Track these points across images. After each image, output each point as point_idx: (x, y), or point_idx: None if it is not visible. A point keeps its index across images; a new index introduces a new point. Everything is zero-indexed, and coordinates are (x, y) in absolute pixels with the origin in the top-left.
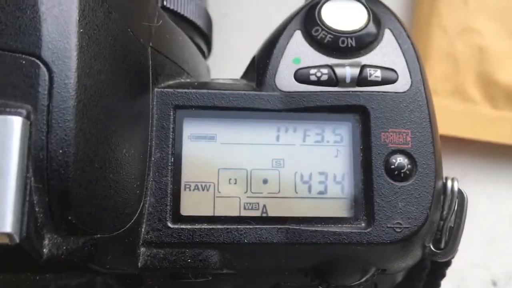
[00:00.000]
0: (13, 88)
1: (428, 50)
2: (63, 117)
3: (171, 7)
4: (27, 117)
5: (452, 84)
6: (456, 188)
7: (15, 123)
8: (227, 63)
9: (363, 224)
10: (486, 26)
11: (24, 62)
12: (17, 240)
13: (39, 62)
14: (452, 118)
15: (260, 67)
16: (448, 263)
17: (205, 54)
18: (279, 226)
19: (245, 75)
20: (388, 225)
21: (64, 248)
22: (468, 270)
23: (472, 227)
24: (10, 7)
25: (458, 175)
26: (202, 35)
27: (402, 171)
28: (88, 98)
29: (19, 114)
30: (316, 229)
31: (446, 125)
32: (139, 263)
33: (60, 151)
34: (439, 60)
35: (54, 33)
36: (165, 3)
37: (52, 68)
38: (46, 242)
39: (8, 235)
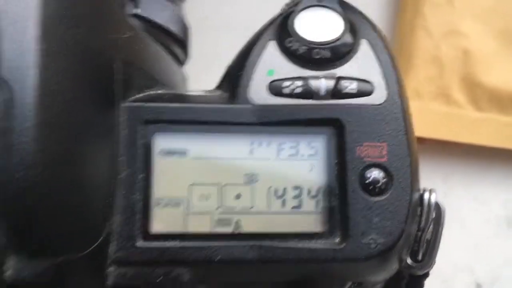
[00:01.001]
0: None
1: (413, 53)
2: (23, 139)
3: (144, 15)
4: None
5: (436, 86)
6: (433, 200)
7: None
8: (208, 65)
9: (337, 240)
10: (471, 28)
11: None
12: None
13: None
14: (436, 121)
15: (233, 79)
16: (426, 275)
17: (182, 61)
18: (252, 243)
19: (219, 86)
20: (363, 241)
21: (27, 272)
22: (452, 273)
23: (457, 229)
24: None
25: (442, 177)
26: (178, 42)
27: (377, 185)
28: (49, 117)
29: None
30: (290, 245)
31: (431, 128)
32: (109, 282)
33: (21, 173)
34: (424, 62)
35: (13, 51)
36: (136, 11)
37: (11, 87)
38: (8, 265)
39: None
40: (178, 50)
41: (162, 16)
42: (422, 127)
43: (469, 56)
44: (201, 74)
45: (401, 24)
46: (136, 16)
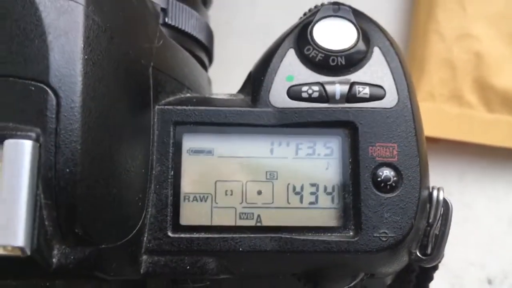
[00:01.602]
0: (24, 113)
1: (426, 56)
2: (70, 139)
3: (173, 24)
4: (37, 140)
5: (449, 89)
6: (441, 198)
7: (26, 146)
8: (230, 69)
9: (351, 233)
10: (483, 32)
11: (33, 88)
12: (28, 253)
13: (47, 88)
14: (449, 122)
15: (255, 84)
16: (435, 267)
17: (206, 66)
18: (272, 235)
19: (242, 89)
20: (375, 235)
21: (72, 257)
22: (464, 269)
23: (470, 226)
24: (20, 37)
25: (457, 176)
26: (203, 48)
27: (388, 183)
28: (92, 120)
29: (29, 137)
30: (307, 238)
31: (444, 129)
32: (142, 270)
33: (67, 170)
34: (437, 65)
35: (61, 61)
36: (166, 20)
37: (59, 93)
38: (55, 252)
39: (20, 248)
40: (203, 55)
41: (189, 24)
42: (435, 128)
43: (481, 59)
44: (224, 76)
45: (414, 29)
46: (166, 25)
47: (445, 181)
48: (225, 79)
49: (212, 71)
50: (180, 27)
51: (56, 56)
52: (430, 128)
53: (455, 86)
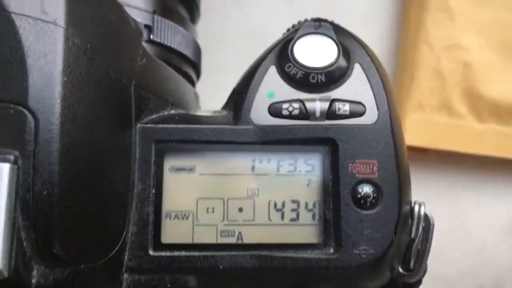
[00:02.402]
0: (2, 135)
1: (416, 65)
2: (48, 161)
3: (158, 40)
4: (15, 162)
5: (438, 98)
6: (422, 213)
7: (4, 169)
8: (223, 79)
9: (331, 250)
10: (471, 42)
11: (12, 111)
12: (6, 275)
13: (26, 111)
14: (439, 132)
15: (237, 101)
16: (418, 282)
17: (194, 81)
18: (253, 253)
19: (226, 105)
20: (355, 251)
21: (51, 278)
22: (457, 277)
23: (461, 235)
24: None
25: (447, 186)
26: (190, 63)
27: (368, 199)
28: (71, 141)
29: (7, 160)
30: (287, 255)
31: (434, 139)
32: None
33: (45, 192)
34: (426, 75)
35: (40, 84)
36: (151, 37)
37: (37, 116)
38: (34, 273)
39: None
40: (190, 71)
41: (175, 40)
42: (425, 138)
43: (470, 69)
44: (217, 86)
45: (404, 38)
46: (151, 42)
47: (436, 191)
48: (218, 88)
49: (205, 81)
50: (165, 43)
51: (35, 79)
52: (420, 138)
53: (445, 96)
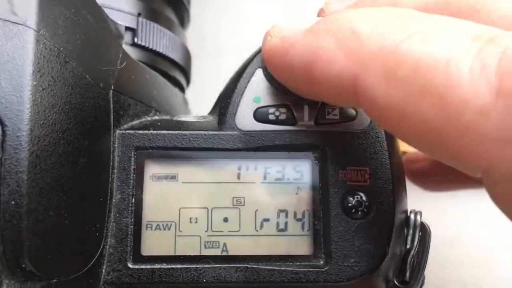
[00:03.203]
0: None
1: None
2: (15, 169)
3: (142, 44)
4: None
5: None
6: (418, 222)
7: None
8: (216, 86)
9: (321, 262)
10: None
11: None
12: None
13: None
14: None
15: (222, 105)
16: None
17: (183, 86)
18: (238, 265)
19: (212, 111)
20: (345, 264)
21: None
22: None
23: (463, 245)
24: None
25: (449, 194)
26: (178, 67)
27: (360, 209)
28: (41, 148)
29: None
30: (274, 268)
31: None
32: None
33: (12, 202)
34: None
35: (7, 88)
36: (136, 40)
37: (4, 121)
38: (4, 287)
39: None
40: (179, 76)
41: (161, 44)
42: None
43: None
44: (211, 94)
45: None
46: (135, 45)
47: (437, 199)
48: (212, 96)
49: (198, 88)
50: (150, 47)
51: (2, 83)
52: None
53: None
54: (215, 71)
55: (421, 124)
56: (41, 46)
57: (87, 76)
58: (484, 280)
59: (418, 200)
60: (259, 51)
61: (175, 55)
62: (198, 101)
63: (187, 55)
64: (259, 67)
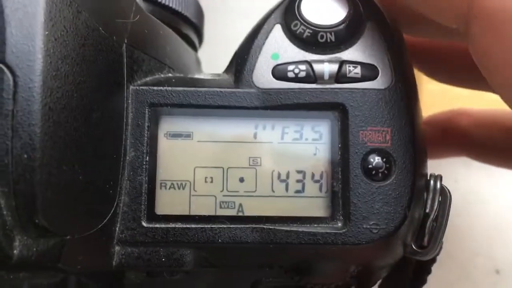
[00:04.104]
0: None
1: None
2: (28, 121)
3: None
4: None
5: None
6: (438, 186)
7: None
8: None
9: (339, 224)
10: None
11: None
12: None
13: (3, 67)
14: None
15: (239, 62)
16: (433, 260)
17: (195, 44)
18: (254, 226)
19: (228, 69)
20: (364, 226)
21: (34, 249)
22: (471, 258)
23: (476, 214)
24: None
25: (464, 162)
26: (191, 25)
27: (380, 170)
28: (54, 101)
29: None
30: (291, 229)
31: None
32: (114, 262)
33: (25, 155)
34: None
35: (19, 36)
36: None
37: (16, 72)
38: (16, 243)
39: None
40: (191, 34)
41: (175, 0)
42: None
43: None
44: (219, 56)
45: None
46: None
47: (451, 167)
48: (219, 59)
49: (209, 50)
50: (163, 2)
51: (13, 32)
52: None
53: None
54: (224, 34)
55: None
56: None
57: (100, 28)
58: (495, 249)
59: (430, 168)
60: (277, 6)
61: (188, 12)
62: (208, 63)
63: (200, 13)
64: (277, 23)
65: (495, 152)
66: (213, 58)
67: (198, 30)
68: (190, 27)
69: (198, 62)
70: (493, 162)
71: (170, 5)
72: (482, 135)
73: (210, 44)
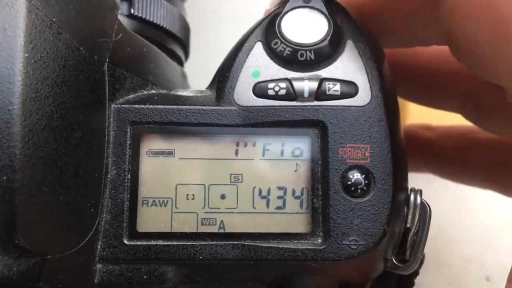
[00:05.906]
0: None
1: None
2: (7, 143)
3: (139, 15)
4: None
5: None
6: (419, 201)
7: None
8: (220, 57)
9: (319, 241)
10: None
11: None
12: None
13: None
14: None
15: (220, 80)
16: (415, 273)
17: (181, 59)
18: (235, 242)
19: (211, 85)
20: (344, 242)
21: (15, 269)
22: (462, 266)
23: (467, 221)
24: None
25: None
26: (176, 40)
27: (359, 187)
28: (34, 122)
29: None
30: (272, 245)
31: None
32: (96, 280)
33: (5, 177)
34: None
35: None
36: (132, 11)
37: None
38: None
39: None
40: (177, 49)
41: (158, 15)
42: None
43: None
44: (211, 68)
45: None
46: (132, 16)
47: None
48: (209, 70)
49: (199, 61)
50: (147, 18)
51: None
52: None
53: None
54: (215, 44)
55: None
56: (33, 16)
57: (81, 48)
58: (487, 255)
59: (421, 175)
60: (258, 24)
61: (173, 27)
62: (200, 74)
63: (185, 27)
64: (258, 40)
65: (457, 167)
66: (206, 68)
67: (184, 45)
68: (176, 42)
69: (183, 76)
70: (455, 178)
71: (155, 21)
72: (445, 149)
73: (201, 54)
